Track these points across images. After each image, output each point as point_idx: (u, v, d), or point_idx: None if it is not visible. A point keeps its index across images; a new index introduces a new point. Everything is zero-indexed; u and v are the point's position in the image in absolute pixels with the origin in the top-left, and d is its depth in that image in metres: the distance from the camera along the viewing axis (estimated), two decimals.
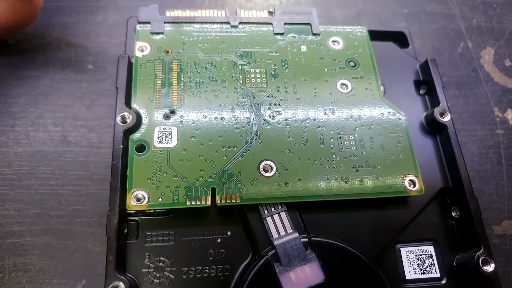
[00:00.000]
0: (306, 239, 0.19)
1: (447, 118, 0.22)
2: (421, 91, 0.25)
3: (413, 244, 0.20)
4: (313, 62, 0.23)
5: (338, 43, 0.24)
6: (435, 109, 0.22)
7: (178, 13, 0.23)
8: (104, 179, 0.23)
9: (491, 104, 0.28)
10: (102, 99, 0.25)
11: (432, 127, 0.23)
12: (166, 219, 0.19)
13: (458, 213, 0.21)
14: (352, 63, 0.23)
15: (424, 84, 0.24)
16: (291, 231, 0.19)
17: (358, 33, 0.24)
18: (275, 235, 0.19)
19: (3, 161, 0.23)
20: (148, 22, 0.23)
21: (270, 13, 0.24)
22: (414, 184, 0.20)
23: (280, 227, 0.19)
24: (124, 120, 0.20)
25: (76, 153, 0.23)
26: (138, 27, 0.22)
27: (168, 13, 0.23)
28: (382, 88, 0.23)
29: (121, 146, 0.19)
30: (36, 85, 0.25)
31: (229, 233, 0.19)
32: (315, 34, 0.24)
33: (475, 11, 0.32)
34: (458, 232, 0.21)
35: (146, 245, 0.18)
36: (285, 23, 0.24)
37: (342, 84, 0.22)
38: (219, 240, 0.19)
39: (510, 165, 0.26)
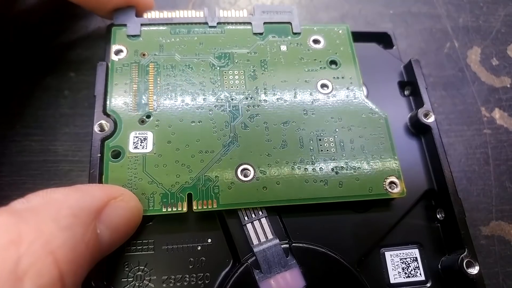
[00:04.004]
0: (287, 245, 0.19)
1: (431, 119, 0.22)
2: (406, 92, 0.24)
3: (397, 248, 0.20)
4: (293, 63, 0.22)
5: (319, 42, 0.23)
6: (419, 110, 0.22)
7: (155, 15, 0.23)
8: None
9: (478, 103, 0.28)
10: (83, 107, 0.25)
11: (417, 129, 0.23)
12: (145, 227, 0.19)
13: (443, 215, 0.20)
14: (333, 63, 0.23)
15: (408, 85, 0.24)
16: (272, 237, 0.18)
17: (340, 31, 0.24)
18: (255, 241, 0.18)
19: None
20: (124, 25, 0.22)
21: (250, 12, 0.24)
22: (396, 186, 0.20)
23: (260, 234, 0.18)
24: (102, 129, 0.19)
25: (58, 162, 0.23)
26: (114, 29, 0.22)
27: (145, 15, 0.23)
28: (365, 89, 0.23)
29: (99, 155, 0.19)
30: (17, 94, 0.25)
31: (209, 240, 0.19)
32: (295, 34, 0.23)
33: (461, 11, 0.31)
34: (443, 234, 0.20)
35: (125, 254, 0.18)
36: (265, 23, 0.23)
37: (323, 84, 0.22)
38: (199, 248, 0.18)
39: (497, 165, 0.26)
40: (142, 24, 0.22)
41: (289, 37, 0.23)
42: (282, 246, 0.18)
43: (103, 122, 0.19)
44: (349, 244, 0.19)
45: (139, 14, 0.23)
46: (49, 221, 0.13)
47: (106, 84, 0.21)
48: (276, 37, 0.23)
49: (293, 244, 0.19)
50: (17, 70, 0.25)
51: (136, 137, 0.19)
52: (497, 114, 0.27)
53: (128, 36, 0.22)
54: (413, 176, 0.21)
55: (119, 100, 0.20)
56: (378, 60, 0.25)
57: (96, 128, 0.19)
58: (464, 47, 0.30)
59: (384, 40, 0.26)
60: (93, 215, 0.15)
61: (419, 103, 0.23)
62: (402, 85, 0.24)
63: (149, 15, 0.23)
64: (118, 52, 0.21)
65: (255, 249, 0.18)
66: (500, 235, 0.23)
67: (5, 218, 0.13)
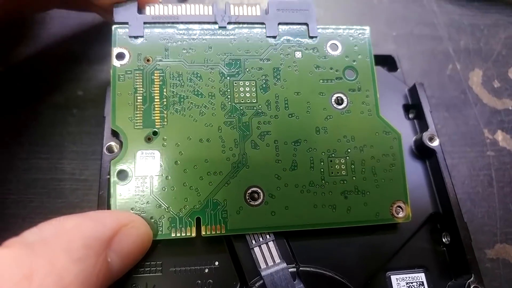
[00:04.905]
0: (294, 269, 0.19)
1: (435, 143, 0.22)
2: (410, 115, 0.25)
3: (403, 272, 0.20)
4: (308, 73, 0.21)
5: (337, 48, 0.22)
6: (423, 133, 0.22)
7: (159, 10, 0.20)
8: (93, 209, 0.22)
9: (481, 125, 0.28)
10: (91, 125, 0.25)
11: (421, 152, 0.23)
12: (153, 249, 0.19)
13: (449, 239, 0.21)
14: (350, 72, 0.21)
15: (413, 108, 0.24)
16: (279, 261, 0.18)
17: (360, 36, 0.22)
18: (262, 265, 0.18)
19: None
20: (126, 23, 0.20)
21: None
22: (402, 210, 0.20)
23: (268, 257, 0.19)
24: (111, 150, 0.19)
25: (64, 180, 0.23)
26: (115, 29, 0.20)
27: (148, 10, 0.20)
28: None
29: (108, 176, 0.19)
30: (25, 112, 0.25)
31: (216, 263, 0.19)
32: (311, 37, 0.22)
33: (463, 33, 0.32)
34: (449, 258, 0.21)
35: (133, 275, 0.18)
36: (279, 23, 0.21)
37: (338, 98, 0.21)
38: (206, 270, 0.19)
39: (501, 187, 0.26)
40: (145, 23, 0.20)
41: (305, 41, 0.21)
42: (289, 270, 0.18)
43: (112, 143, 0.19)
44: (356, 267, 0.19)
45: (141, 6, 0.21)
46: (61, 253, 0.13)
47: None
48: (291, 41, 0.21)
49: (300, 268, 0.19)
50: (25, 88, 0.26)
51: (143, 156, 0.19)
52: (499, 136, 0.28)
53: (130, 37, 0.20)
54: (418, 199, 0.21)
55: (124, 114, 0.19)
56: (382, 82, 0.25)
57: (105, 150, 0.19)
58: (466, 69, 0.31)
59: (388, 62, 0.27)
60: (105, 245, 0.15)
61: (423, 126, 0.23)
62: (406, 108, 0.25)
63: (152, 11, 0.21)
64: (120, 56, 0.20)
65: (263, 273, 0.18)
66: (505, 258, 0.23)
67: (17, 251, 0.13)
